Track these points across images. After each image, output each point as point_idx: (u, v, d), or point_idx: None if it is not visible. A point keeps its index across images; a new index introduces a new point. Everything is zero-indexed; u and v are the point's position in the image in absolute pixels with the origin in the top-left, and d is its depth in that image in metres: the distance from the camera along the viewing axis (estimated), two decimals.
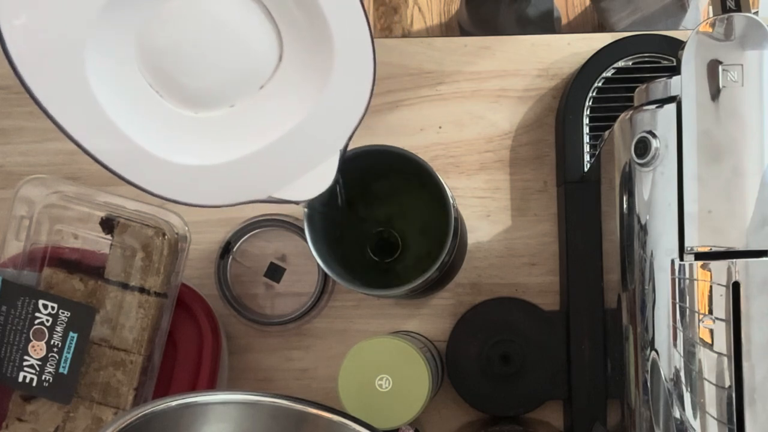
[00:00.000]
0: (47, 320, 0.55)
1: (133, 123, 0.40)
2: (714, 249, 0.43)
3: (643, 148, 0.45)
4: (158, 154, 0.41)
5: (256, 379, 0.65)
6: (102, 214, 0.57)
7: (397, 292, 0.52)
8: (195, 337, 0.60)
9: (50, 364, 0.55)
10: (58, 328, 0.55)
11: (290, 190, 0.43)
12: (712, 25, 0.43)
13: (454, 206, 0.52)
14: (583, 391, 0.60)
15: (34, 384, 0.55)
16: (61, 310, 0.55)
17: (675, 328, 0.44)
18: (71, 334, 0.55)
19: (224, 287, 0.64)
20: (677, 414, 0.44)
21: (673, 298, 0.44)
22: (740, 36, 0.43)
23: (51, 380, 0.55)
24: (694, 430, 0.43)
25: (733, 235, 0.43)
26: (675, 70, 0.44)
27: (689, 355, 0.44)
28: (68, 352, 0.55)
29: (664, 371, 0.45)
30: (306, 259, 0.65)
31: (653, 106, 0.45)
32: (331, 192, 0.44)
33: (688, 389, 0.44)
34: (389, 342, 0.54)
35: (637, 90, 0.49)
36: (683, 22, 1.09)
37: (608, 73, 0.62)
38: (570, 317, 0.61)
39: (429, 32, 1.39)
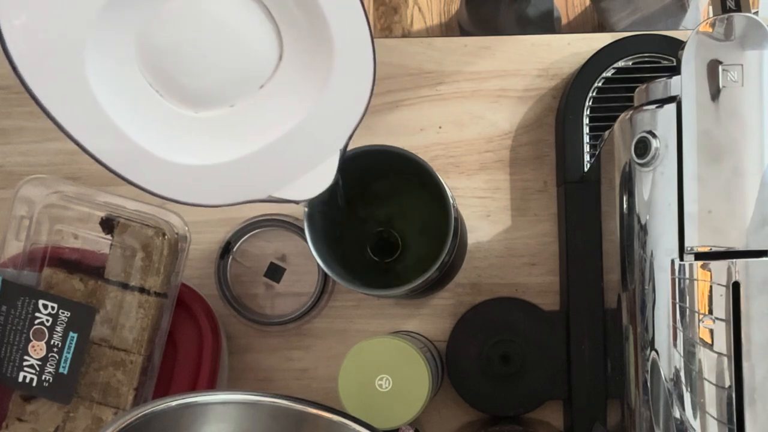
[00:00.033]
0: (47, 320, 0.55)
1: (134, 123, 0.40)
2: (714, 249, 0.43)
3: (643, 148, 0.45)
4: (158, 153, 0.41)
5: (256, 379, 0.65)
6: (102, 214, 0.57)
7: (397, 292, 0.52)
8: (195, 337, 0.60)
9: (50, 364, 0.55)
10: (58, 328, 0.55)
11: (290, 189, 0.43)
12: (712, 25, 0.43)
13: (454, 206, 0.52)
14: (583, 391, 0.60)
15: (34, 384, 0.55)
16: (61, 310, 0.55)
17: (675, 328, 0.44)
18: (71, 334, 0.55)
19: (224, 287, 0.64)
20: (677, 414, 0.44)
21: (673, 298, 0.44)
22: (740, 36, 0.43)
23: (51, 380, 0.55)
24: (694, 430, 0.43)
25: (733, 235, 0.43)
26: (675, 70, 0.44)
27: (689, 355, 0.44)
28: (68, 352, 0.55)
29: (664, 371, 0.45)
30: (306, 259, 0.65)
31: (653, 106, 0.45)
32: (331, 192, 0.44)
33: (688, 389, 0.44)
34: (389, 342, 0.54)
35: (637, 90, 0.49)
36: (683, 22, 1.09)
37: (608, 73, 0.62)
38: (570, 317, 0.61)
39: (429, 32, 1.39)
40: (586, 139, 0.62)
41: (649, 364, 0.46)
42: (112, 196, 0.57)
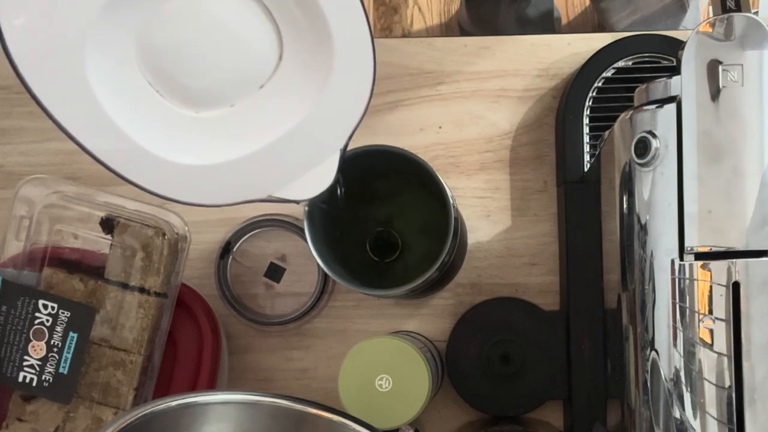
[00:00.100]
0: (47, 320, 0.55)
1: (134, 122, 0.40)
2: (714, 249, 0.43)
3: (643, 148, 0.45)
4: (158, 153, 0.41)
5: (256, 379, 0.65)
6: (102, 214, 0.57)
7: (397, 292, 0.52)
8: (195, 337, 0.60)
9: (50, 364, 0.55)
10: (58, 328, 0.55)
11: (290, 189, 0.43)
12: (712, 25, 0.43)
13: (454, 206, 0.52)
14: (583, 391, 0.60)
15: (34, 384, 0.55)
16: (61, 310, 0.55)
17: (675, 328, 0.44)
18: (71, 334, 0.55)
19: (224, 287, 0.64)
20: (677, 414, 0.44)
21: (673, 298, 0.44)
22: (740, 36, 0.43)
23: (51, 380, 0.55)
24: (694, 430, 0.43)
25: (733, 235, 0.43)
26: (675, 70, 0.44)
27: (689, 355, 0.44)
28: (68, 352, 0.55)
29: (664, 371, 0.45)
30: (306, 259, 0.65)
31: (653, 106, 0.45)
32: (331, 192, 0.44)
33: (688, 389, 0.44)
34: (389, 342, 0.54)
35: (637, 90, 0.49)
36: (683, 22, 1.09)
37: (608, 73, 0.62)
38: (570, 317, 0.61)
39: (429, 32, 1.39)
40: (586, 139, 0.62)
41: (649, 364, 0.46)
42: (112, 196, 0.57)
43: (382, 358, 0.54)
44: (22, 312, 0.55)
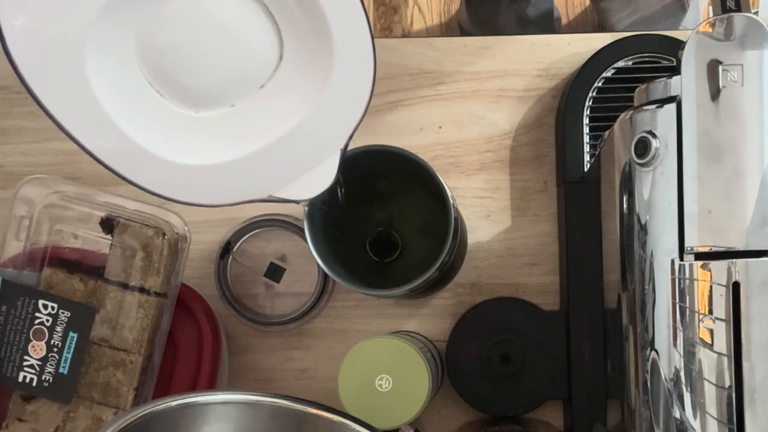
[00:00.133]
0: (47, 320, 0.55)
1: (134, 122, 0.40)
2: (714, 249, 0.43)
3: (643, 148, 0.45)
4: (158, 153, 0.41)
5: (256, 379, 0.65)
6: (102, 214, 0.57)
7: (397, 292, 0.52)
8: (195, 337, 0.60)
9: (50, 364, 0.55)
10: (58, 328, 0.55)
11: (291, 189, 0.43)
12: (712, 25, 0.43)
13: (454, 206, 0.52)
14: (583, 391, 0.60)
15: (34, 384, 0.55)
16: (61, 310, 0.55)
17: (675, 328, 0.44)
18: (71, 334, 0.55)
19: (224, 287, 0.64)
20: (677, 414, 0.44)
21: (673, 298, 0.44)
22: (740, 36, 0.43)
23: (51, 380, 0.55)
24: (694, 430, 0.43)
25: (733, 235, 0.43)
26: (675, 70, 0.44)
27: (689, 355, 0.44)
28: (68, 352, 0.55)
29: (664, 371, 0.45)
30: (306, 259, 0.65)
31: (653, 106, 0.45)
32: (331, 192, 0.44)
33: (688, 389, 0.44)
34: (389, 342, 0.54)
35: (637, 90, 0.49)
36: (683, 22, 1.09)
37: (608, 73, 0.62)
38: (570, 317, 0.61)
39: (429, 32, 1.39)
40: (586, 139, 0.62)
41: (649, 364, 0.46)
42: (112, 196, 0.57)
43: (382, 358, 0.54)
44: (22, 312, 0.55)
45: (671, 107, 0.44)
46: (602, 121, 0.62)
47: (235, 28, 0.41)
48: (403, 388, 0.54)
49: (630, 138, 0.46)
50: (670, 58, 0.62)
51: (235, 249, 0.65)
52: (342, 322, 0.65)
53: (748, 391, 0.42)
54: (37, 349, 0.55)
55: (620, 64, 0.62)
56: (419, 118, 0.66)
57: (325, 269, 0.51)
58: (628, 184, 0.47)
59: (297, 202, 0.45)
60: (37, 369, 0.55)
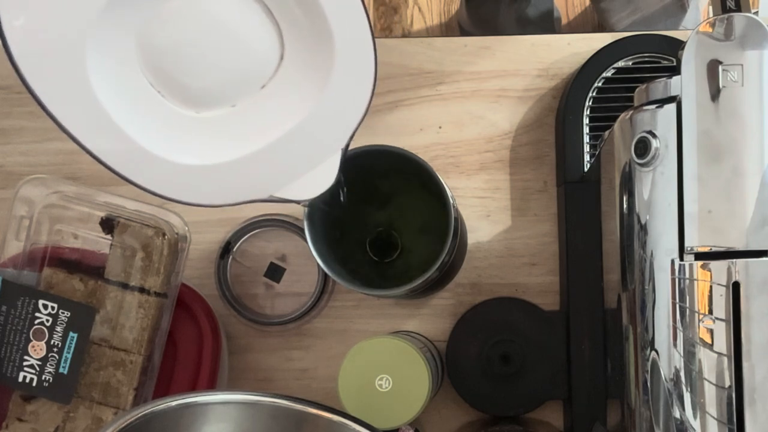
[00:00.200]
0: (47, 320, 0.55)
1: (134, 122, 0.40)
2: (714, 249, 0.43)
3: (643, 148, 0.45)
4: (159, 153, 0.41)
5: (256, 379, 0.65)
6: (102, 214, 0.57)
7: (397, 292, 0.52)
8: (195, 337, 0.60)
9: (50, 364, 0.55)
10: (58, 328, 0.55)
11: (291, 189, 0.43)
12: (712, 25, 0.43)
13: (454, 206, 0.52)
14: (583, 391, 0.60)
15: (34, 384, 0.55)
16: (61, 310, 0.55)
17: (675, 328, 0.44)
18: (71, 334, 0.55)
19: (224, 287, 0.64)
20: (677, 414, 0.44)
21: (673, 298, 0.44)
22: (740, 36, 0.43)
23: (51, 380, 0.55)
24: (694, 430, 0.44)
25: (733, 235, 0.43)
26: (675, 70, 0.45)
27: (689, 355, 0.44)
28: (68, 352, 0.55)
29: (664, 371, 0.45)
30: (306, 259, 0.65)
31: (653, 106, 0.45)
32: (331, 192, 0.44)
33: (688, 389, 0.44)
34: (389, 342, 0.54)
35: (637, 90, 0.49)
36: (683, 22, 1.10)
37: (608, 73, 0.62)
38: (570, 317, 0.61)
39: (429, 32, 1.39)
40: (586, 139, 0.62)
41: (649, 364, 0.46)
42: (112, 196, 0.57)
43: (382, 358, 0.54)
44: (22, 312, 0.55)
45: (671, 107, 0.44)
46: (602, 121, 0.62)
47: (236, 28, 0.41)
48: (403, 388, 0.54)
49: (630, 138, 0.46)
50: (670, 58, 0.62)
51: (235, 249, 0.65)
52: (342, 322, 0.65)
53: (748, 391, 0.42)
54: (37, 349, 0.55)
55: (620, 64, 0.62)
56: (419, 118, 0.66)
57: (325, 269, 0.51)
58: (628, 184, 0.47)
59: (297, 202, 0.45)
60: (37, 369, 0.55)
